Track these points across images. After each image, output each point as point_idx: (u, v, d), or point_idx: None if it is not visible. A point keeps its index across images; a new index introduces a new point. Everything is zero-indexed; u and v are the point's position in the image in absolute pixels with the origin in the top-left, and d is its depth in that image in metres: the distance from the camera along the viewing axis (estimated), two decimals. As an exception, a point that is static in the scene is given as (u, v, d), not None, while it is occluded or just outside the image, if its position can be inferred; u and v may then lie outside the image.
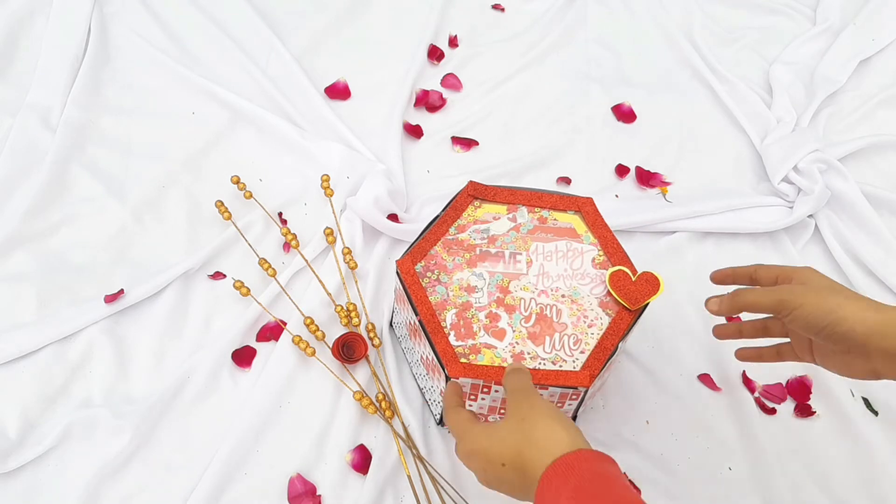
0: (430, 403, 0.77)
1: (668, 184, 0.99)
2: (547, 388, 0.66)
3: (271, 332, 0.82)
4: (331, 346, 0.80)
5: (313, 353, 0.79)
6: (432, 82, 1.08)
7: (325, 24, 1.12)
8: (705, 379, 0.82)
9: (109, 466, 0.71)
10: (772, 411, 0.80)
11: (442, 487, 0.73)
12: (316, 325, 0.81)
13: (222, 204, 0.90)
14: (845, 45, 1.13)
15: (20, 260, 0.84)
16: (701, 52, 1.13)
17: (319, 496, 0.72)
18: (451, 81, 1.08)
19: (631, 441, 0.78)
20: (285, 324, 0.82)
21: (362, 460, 0.74)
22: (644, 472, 0.76)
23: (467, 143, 1.01)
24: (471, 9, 1.18)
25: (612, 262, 0.72)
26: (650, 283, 0.69)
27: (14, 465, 0.71)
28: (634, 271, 0.70)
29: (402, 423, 0.76)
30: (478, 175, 0.97)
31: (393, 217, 0.90)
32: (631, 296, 0.69)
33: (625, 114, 1.07)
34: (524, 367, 0.62)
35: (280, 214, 0.92)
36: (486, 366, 0.66)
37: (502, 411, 0.69)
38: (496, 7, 1.19)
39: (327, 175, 0.92)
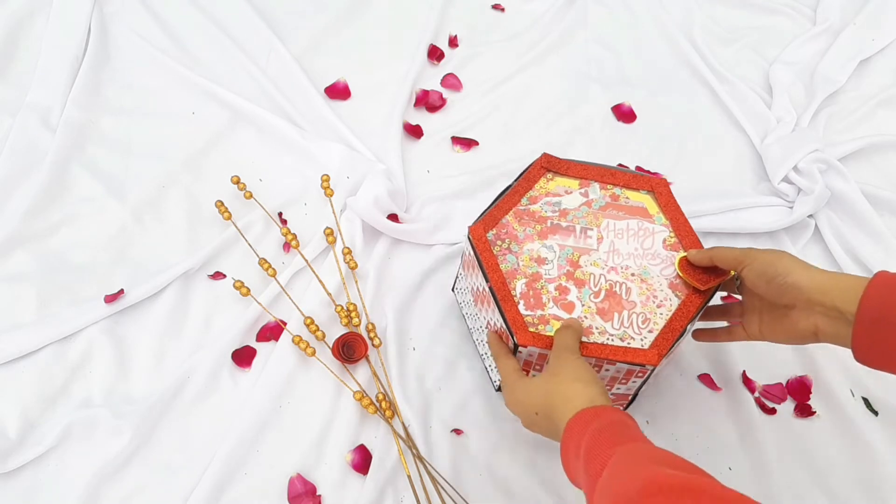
0: (489, 370, 0.78)
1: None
2: (614, 364, 0.67)
3: (271, 332, 0.82)
4: (331, 346, 0.80)
5: (313, 353, 0.79)
6: (432, 82, 1.08)
7: (325, 24, 1.12)
8: (705, 379, 0.82)
9: (109, 466, 0.71)
10: (772, 411, 0.80)
11: (442, 487, 0.73)
12: (316, 325, 0.81)
13: (222, 204, 0.90)
14: (845, 45, 1.13)
15: (20, 260, 0.84)
16: (701, 52, 1.13)
17: (319, 496, 0.72)
18: (451, 81, 1.08)
19: (631, 441, 0.78)
20: (285, 324, 0.82)
21: (362, 460, 0.74)
22: (644, 472, 0.76)
23: (467, 143, 1.01)
24: (471, 9, 1.18)
25: (684, 244, 0.72)
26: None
27: (14, 465, 0.71)
28: None
29: (403, 423, 0.76)
30: (477, 175, 0.97)
31: (393, 217, 0.90)
32: (700, 278, 0.69)
33: (625, 114, 1.07)
34: (575, 324, 0.67)
35: (280, 214, 0.92)
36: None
37: None
38: (496, 7, 1.19)
39: (327, 175, 0.92)
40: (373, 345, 0.81)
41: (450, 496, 0.73)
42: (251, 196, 0.91)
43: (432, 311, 0.85)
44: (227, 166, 0.95)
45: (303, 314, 0.82)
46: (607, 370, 0.68)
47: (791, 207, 0.95)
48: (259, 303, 0.83)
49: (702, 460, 0.77)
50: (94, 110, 0.98)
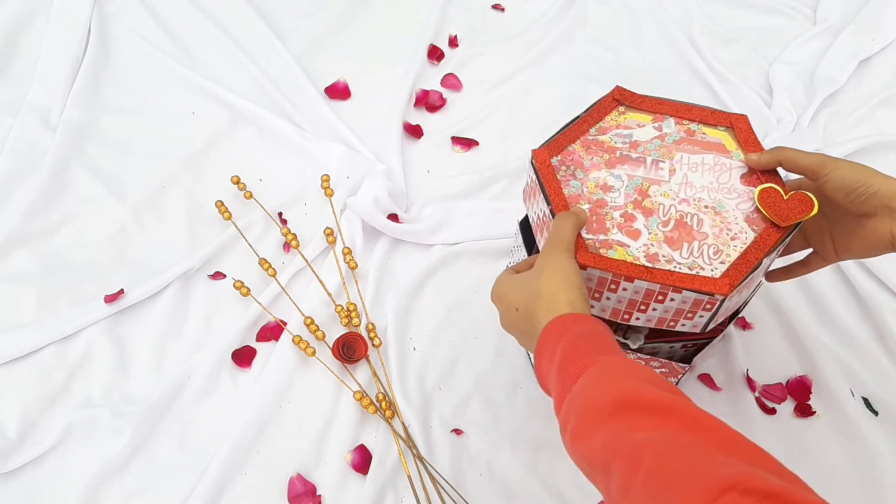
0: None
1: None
2: (681, 292, 0.61)
3: (271, 332, 0.82)
4: (331, 346, 0.80)
5: (313, 353, 0.79)
6: (432, 82, 1.08)
7: (325, 24, 1.12)
8: (705, 379, 0.82)
9: (109, 466, 0.71)
10: (772, 411, 0.80)
11: (442, 487, 0.73)
12: (316, 325, 0.81)
13: (222, 204, 0.90)
14: (845, 45, 1.13)
15: (20, 260, 0.84)
16: (701, 52, 1.13)
17: (319, 496, 0.72)
18: (451, 81, 1.08)
19: (631, 441, 0.78)
20: (285, 324, 0.82)
21: (362, 460, 0.74)
22: (644, 472, 0.76)
23: (467, 143, 1.01)
24: (471, 9, 1.18)
25: (763, 180, 0.66)
26: (804, 203, 0.63)
27: (14, 465, 0.71)
28: (787, 191, 0.65)
29: (403, 423, 0.76)
30: (477, 175, 0.97)
31: (393, 217, 0.90)
32: (781, 213, 0.64)
33: (625, 114, 1.07)
34: (580, 213, 0.62)
35: (280, 214, 0.92)
36: (617, 259, 0.62)
37: (626, 316, 0.66)
38: (496, 7, 1.19)
39: (327, 175, 0.92)
40: (373, 345, 0.81)
41: (450, 496, 0.73)
42: (251, 196, 0.91)
43: (432, 311, 0.85)
44: (227, 166, 0.95)
45: (303, 314, 0.82)
46: (672, 300, 0.62)
47: (791, 207, 0.95)
48: (259, 303, 0.83)
49: (702, 460, 0.77)
50: (94, 110, 0.98)
